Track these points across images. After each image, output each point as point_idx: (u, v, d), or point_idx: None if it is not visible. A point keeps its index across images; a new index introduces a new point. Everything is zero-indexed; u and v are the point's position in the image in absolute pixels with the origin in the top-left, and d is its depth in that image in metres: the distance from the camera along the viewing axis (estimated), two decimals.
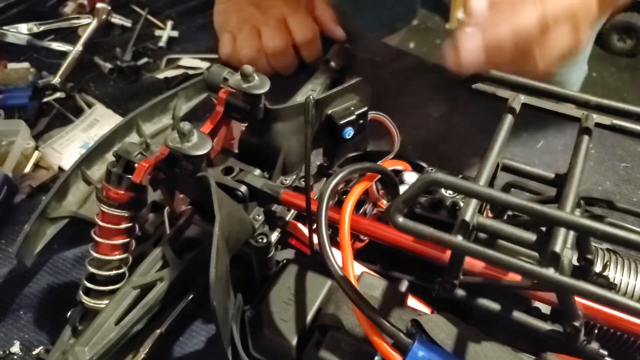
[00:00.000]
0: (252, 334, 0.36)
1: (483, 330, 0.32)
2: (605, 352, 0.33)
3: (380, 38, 0.92)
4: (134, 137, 0.51)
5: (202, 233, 0.42)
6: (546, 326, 0.33)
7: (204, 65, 0.72)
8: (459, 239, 0.28)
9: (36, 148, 0.59)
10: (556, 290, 0.31)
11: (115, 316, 0.38)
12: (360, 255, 0.40)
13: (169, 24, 0.78)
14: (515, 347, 0.32)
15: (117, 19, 0.78)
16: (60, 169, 0.58)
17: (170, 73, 0.70)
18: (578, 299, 0.30)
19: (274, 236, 0.41)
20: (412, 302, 0.38)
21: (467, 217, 0.30)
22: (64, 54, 0.72)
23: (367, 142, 0.47)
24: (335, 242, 0.34)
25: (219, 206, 0.35)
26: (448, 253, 0.34)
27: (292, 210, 0.42)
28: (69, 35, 0.76)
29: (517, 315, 0.33)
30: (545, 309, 0.36)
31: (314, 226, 0.37)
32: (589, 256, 0.33)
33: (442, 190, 0.40)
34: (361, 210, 0.43)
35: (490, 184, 0.35)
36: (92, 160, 0.48)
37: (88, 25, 0.75)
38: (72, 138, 0.61)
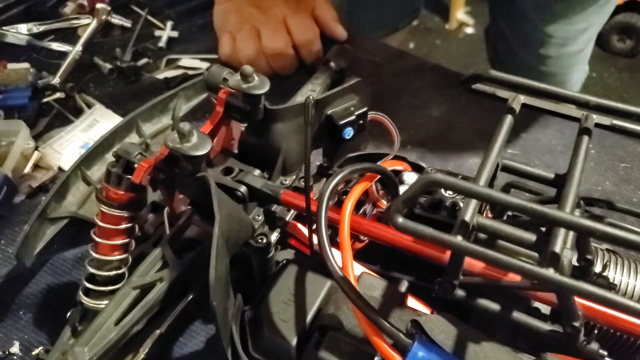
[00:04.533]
0: (252, 335, 0.36)
1: (483, 331, 0.32)
2: (605, 352, 0.33)
3: (380, 38, 0.92)
4: (133, 138, 0.51)
5: (202, 233, 0.42)
6: (546, 326, 0.33)
7: (204, 65, 0.72)
8: (458, 239, 0.28)
9: (36, 148, 0.59)
10: (556, 291, 0.31)
11: (115, 316, 0.38)
12: (360, 256, 0.40)
13: (169, 24, 0.78)
14: (515, 347, 0.32)
15: (116, 19, 0.78)
16: (60, 169, 0.58)
17: (170, 73, 0.70)
18: (578, 299, 0.30)
19: (274, 236, 0.41)
20: (412, 302, 0.37)
21: (467, 218, 0.30)
22: (63, 54, 0.72)
23: (366, 142, 0.47)
24: (335, 243, 0.34)
25: (218, 206, 0.35)
26: (448, 253, 0.34)
27: (292, 211, 0.42)
28: (69, 36, 0.76)
29: (517, 315, 0.33)
30: (545, 309, 0.36)
31: (314, 226, 0.37)
32: (589, 256, 0.33)
33: (442, 190, 0.40)
34: (361, 211, 0.43)
35: (490, 184, 0.35)
36: (92, 160, 0.48)
37: (88, 25, 0.75)
38: (71, 138, 0.61)
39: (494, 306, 0.34)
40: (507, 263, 0.27)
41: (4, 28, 0.75)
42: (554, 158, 0.60)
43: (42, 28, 0.76)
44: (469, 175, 0.42)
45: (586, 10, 0.82)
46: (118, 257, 0.41)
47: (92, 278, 0.41)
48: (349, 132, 0.43)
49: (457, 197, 0.39)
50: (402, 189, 0.40)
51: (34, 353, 0.45)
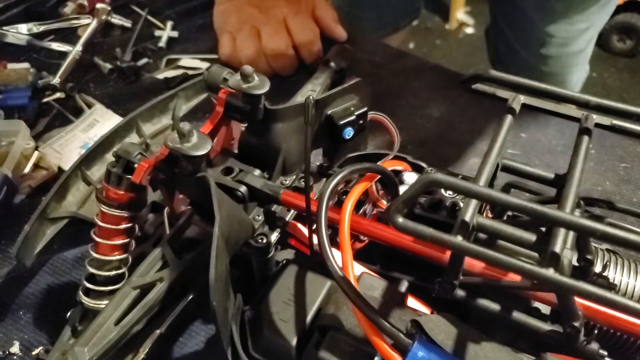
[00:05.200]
0: (252, 335, 0.36)
1: (483, 331, 0.32)
2: (605, 353, 0.33)
3: (380, 38, 0.92)
4: (133, 138, 0.51)
5: (202, 233, 0.42)
6: (546, 326, 0.33)
7: (204, 65, 0.72)
8: (458, 239, 0.28)
9: (36, 148, 0.59)
10: (556, 291, 0.31)
11: (115, 316, 0.38)
12: (360, 256, 0.40)
13: (169, 24, 0.78)
14: (515, 347, 0.32)
15: (117, 19, 0.78)
16: (60, 169, 0.58)
17: (170, 73, 0.70)
18: (578, 299, 0.30)
19: (274, 236, 0.41)
20: (412, 302, 0.37)
21: (467, 218, 0.30)
22: (63, 54, 0.72)
23: (366, 142, 0.47)
24: (335, 243, 0.34)
25: (218, 206, 0.35)
26: (448, 253, 0.34)
27: (292, 211, 0.42)
28: (69, 36, 0.76)
29: (517, 315, 0.33)
30: (545, 309, 0.36)
31: (314, 226, 0.37)
32: (589, 256, 0.33)
33: (442, 190, 0.40)
34: (361, 211, 0.43)
35: (490, 184, 0.35)
36: (92, 160, 0.48)
37: (88, 25, 0.75)
38: (71, 138, 0.61)
39: (494, 306, 0.34)
40: (507, 263, 0.27)
41: (4, 28, 0.75)
42: (554, 158, 0.60)
43: (42, 28, 0.76)
44: (469, 175, 0.42)
45: (587, 9, 0.82)
46: (118, 257, 0.41)
47: (92, 278, 0.41)
48: (349, 132, 0.43)
49: (457, 197, 0.39)
50: (402, 189, 0.40)
51: (34, 353, 0.45)
